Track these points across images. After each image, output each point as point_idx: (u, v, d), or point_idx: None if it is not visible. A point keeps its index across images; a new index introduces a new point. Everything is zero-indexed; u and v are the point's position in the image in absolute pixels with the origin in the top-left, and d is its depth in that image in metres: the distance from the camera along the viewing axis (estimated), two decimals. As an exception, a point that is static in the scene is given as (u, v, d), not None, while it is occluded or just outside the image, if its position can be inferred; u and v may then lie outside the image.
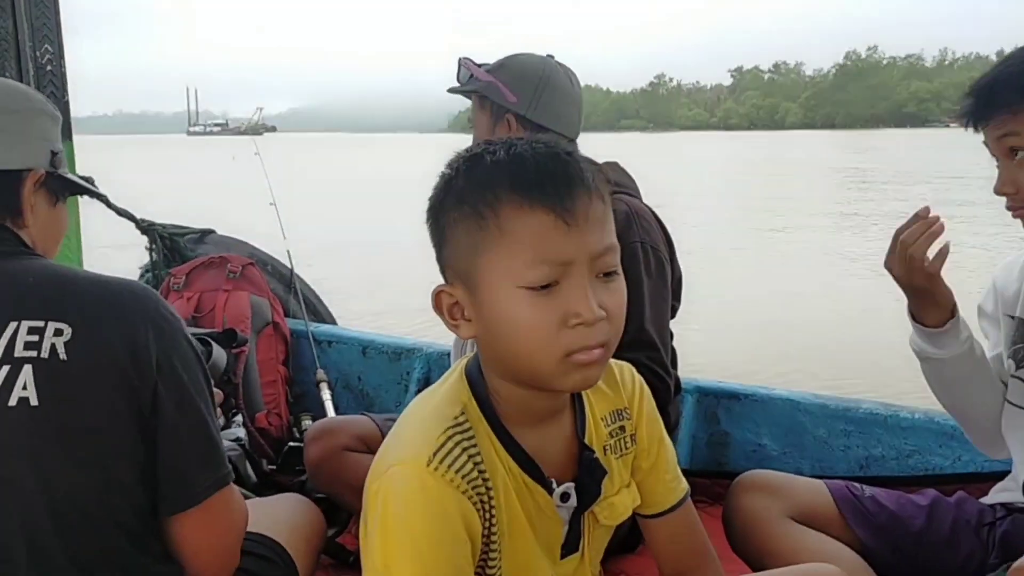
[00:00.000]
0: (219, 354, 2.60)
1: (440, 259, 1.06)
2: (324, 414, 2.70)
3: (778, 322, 7.16)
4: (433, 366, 2.75)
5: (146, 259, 3.33)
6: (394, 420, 1.13)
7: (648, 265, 1.87)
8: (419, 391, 1.14)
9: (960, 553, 1.56)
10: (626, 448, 1.20)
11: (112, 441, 1.18)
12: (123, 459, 1.19)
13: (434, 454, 1.00)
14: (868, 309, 7.32)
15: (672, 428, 2.10)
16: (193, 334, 2.58)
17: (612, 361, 1.19)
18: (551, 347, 0.98)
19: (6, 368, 1.14)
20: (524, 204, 0.96)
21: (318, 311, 3.29)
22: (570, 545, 1.14)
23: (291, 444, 2.58)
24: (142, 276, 3.40)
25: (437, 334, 2.80)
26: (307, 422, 2.69)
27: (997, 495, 1.63)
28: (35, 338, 1.15)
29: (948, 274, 1.49)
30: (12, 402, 1.13)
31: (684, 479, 1.27)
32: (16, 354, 1.14)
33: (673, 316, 2.01)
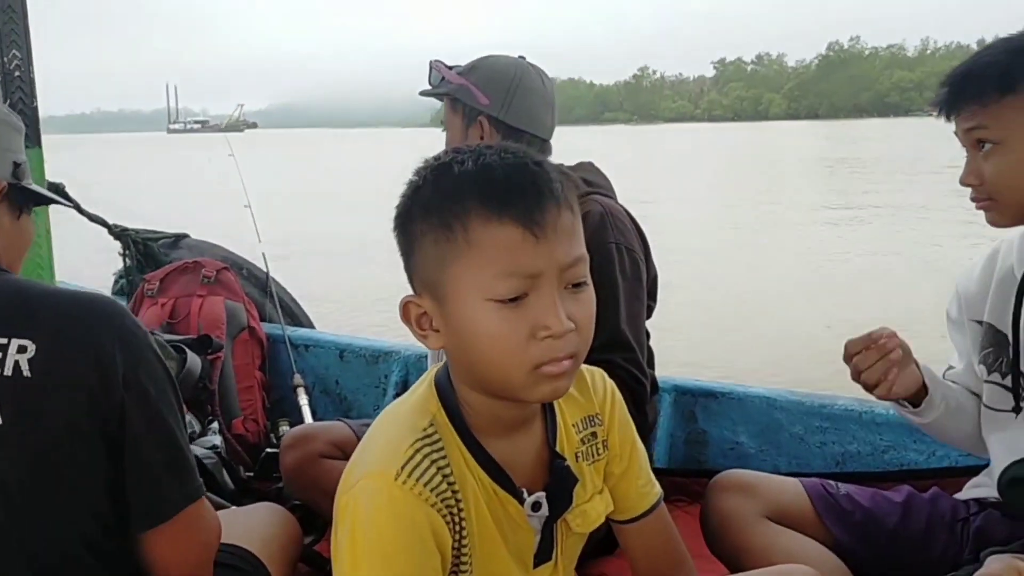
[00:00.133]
0: (194, 361, 2.59)
1: (408, 268, 1.05)
2: (302, 419, 2.68)
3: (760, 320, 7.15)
4: (411, 369, 2.73)
5: (120, 265, 3.31)
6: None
7: (623, 266, 1.87)
8: (397, 394, 1.14)
9: (935, 549, 1.57)
10: (598, 454, 1.20)
11: (79, 459, 1.17)
12: (90, 477, 1.18)
13: (402, 467, 0.99)
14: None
15: (650, 428, 2.11)
16: (167, 341, 2.59)
17: (583, 367, 1.19)
18: (520, 359, 0.97)
19: None
20: (493, 217, 0.96)
21: (295, 314, 3.27)
22: (543, 554, 1.13)
23: (268, 450, 2.56)
24: (116, 282, 3.38)
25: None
26: (284, 427, 2.68)
27: (971, 491, 1.65)
28: None
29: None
30: None
31: (657, 483, 1.27)
32: None
33: (649, 316, 2.01)
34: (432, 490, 1.00)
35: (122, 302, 3.08)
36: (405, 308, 1.04)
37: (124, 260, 3.30)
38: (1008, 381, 1.53)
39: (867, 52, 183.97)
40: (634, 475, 1.24)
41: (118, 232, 3.28)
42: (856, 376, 1.48)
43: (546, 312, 0.96)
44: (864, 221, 13.85)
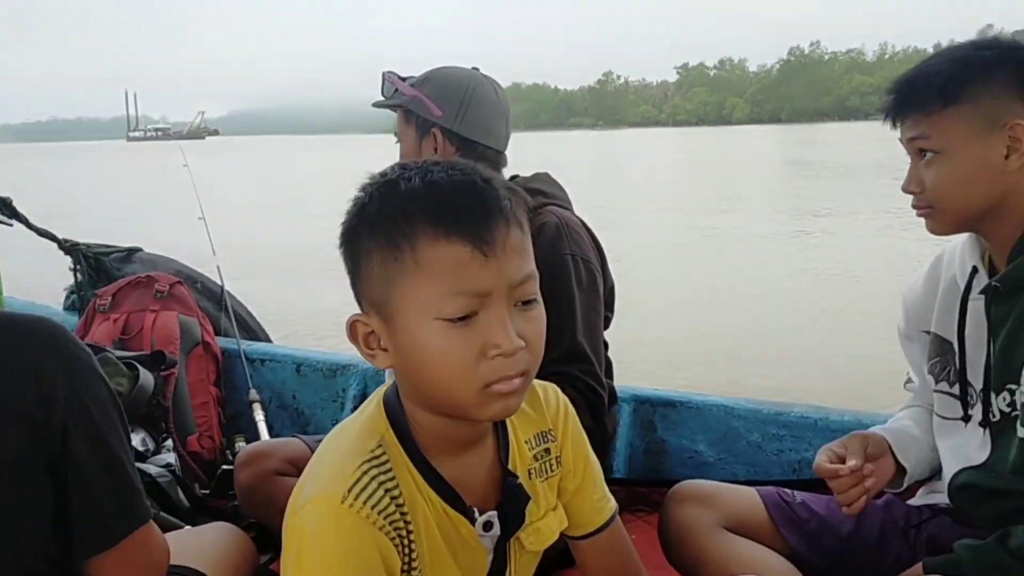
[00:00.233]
0: (146, 378, 2.55)
1: (354, 286, 1.03)
2: (258, 435, 2.65)
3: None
4: (370, 382, 2.71)
5: (71, 280, 3.24)
6: None
7: (579, 277, 1.87)
8: (356, 408, 1.12)
9: (888, 556, 1.59)
10: (551, 471, 1.19)
11: (20, 487, 1.13)
12: (33, 505, 1.14)
13: (349, 490, 0.98)
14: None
15: (609, 438, 2.11)
16: (119, 358, 2.54)
17: (536, 382, 1.18)
18: (470, 378, 0.96)
19: None
20: (440, 235, 0.94)
21: (251, 328, 3.23)
22: (496, 574, 1.12)
23: (224, 467, 2.52)
24: (67, 297, 3.31)
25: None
26: (241, 444, 2.64)
27: (924, 497, 1.66)
28: None
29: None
30: None
31: (612, 498, 1.27)
32: None
33: (606, 327, 2.01)
34: (380, 512, 0.98)
35: (74, 318, 3.05)
36: (352, 327, 1.03)
37: (75, 275, 3.23)
38: (956, 390, 1.54)
39: (827, 57, 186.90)
40: (588, 490, 1.23)
41: (68, 247, 3.22)
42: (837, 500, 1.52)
43: (496, 331, 0.95)
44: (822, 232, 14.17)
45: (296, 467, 1.97)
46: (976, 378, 1.50)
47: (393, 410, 1.06)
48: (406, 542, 1.02)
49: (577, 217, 2.01)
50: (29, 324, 1.20)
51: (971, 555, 1.38)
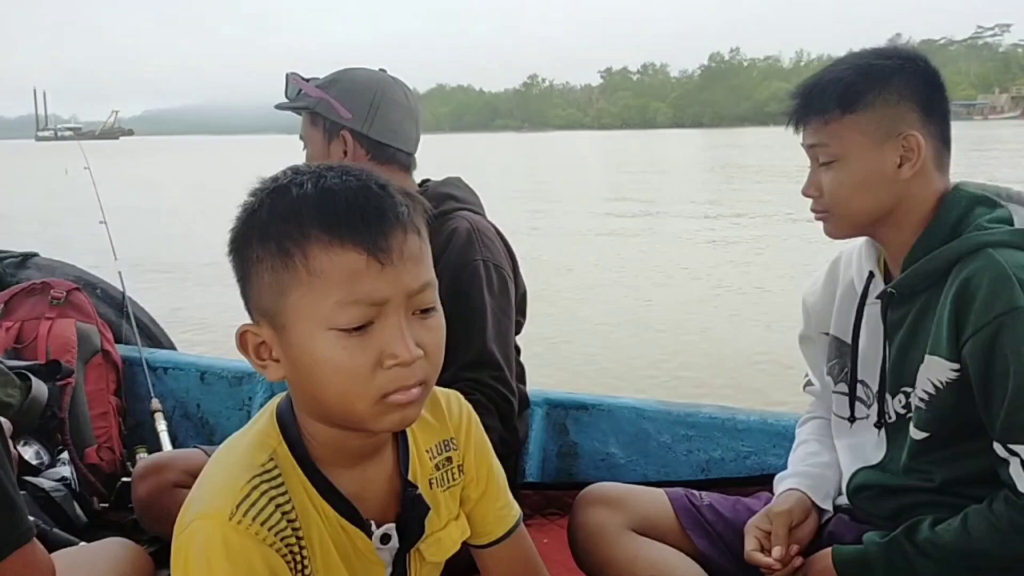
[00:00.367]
0: (40, 388, 2.46)
1: (244, 295, 0.99)
2: (160, 446, 2.57)
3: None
4: (276, 390, 2.64)
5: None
6: None
7: (491, 283, 1.86)
8: None
9: None
10: (453, 480, 1.17)
11: None
12: None
13: (237, 506, 0.94)
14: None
15: (521, 443, 2.10)
16: (11, 368, 2.42)
17: (439, 390, 1.17)
18: (366, 389, 0.93)
19: None
20: (334, 243, 0.91)
21: (154, 335, 3.13)
22: None
23: (124, 480, 2.43)
24: (-44, 306, 3.14)
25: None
26: (142, 455, 2.55)
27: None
28: None
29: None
30: None
31: (516, 505, 1.25)
32: None
33: (518, 332, 2.01)
34: (270, 529, 0.95)
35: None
36: (242, 337, 0.99)
37: (-39, 284, 3.07)
38: (848, 389, 1.58)
39: (746, 63, 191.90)
40: (492, 498, 1.21)
41: (-45, 253, 3.06)
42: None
43: (393, 340, 0.93)
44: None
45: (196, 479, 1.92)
46: (873, 380, 1.53)
47: (286, 422, 1.03)
48: (299, 558, 0.99)
49: (489, 222, 2.00)
50: None
51: (879, 547, 1.42)
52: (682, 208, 16.32)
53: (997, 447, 1.31)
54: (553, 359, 5.81)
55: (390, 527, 1.07)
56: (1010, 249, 1.34)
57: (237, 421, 2.70)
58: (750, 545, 1.53)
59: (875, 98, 1.41)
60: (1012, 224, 1.39)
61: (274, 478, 0.99)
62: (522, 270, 2.04)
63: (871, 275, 1.54)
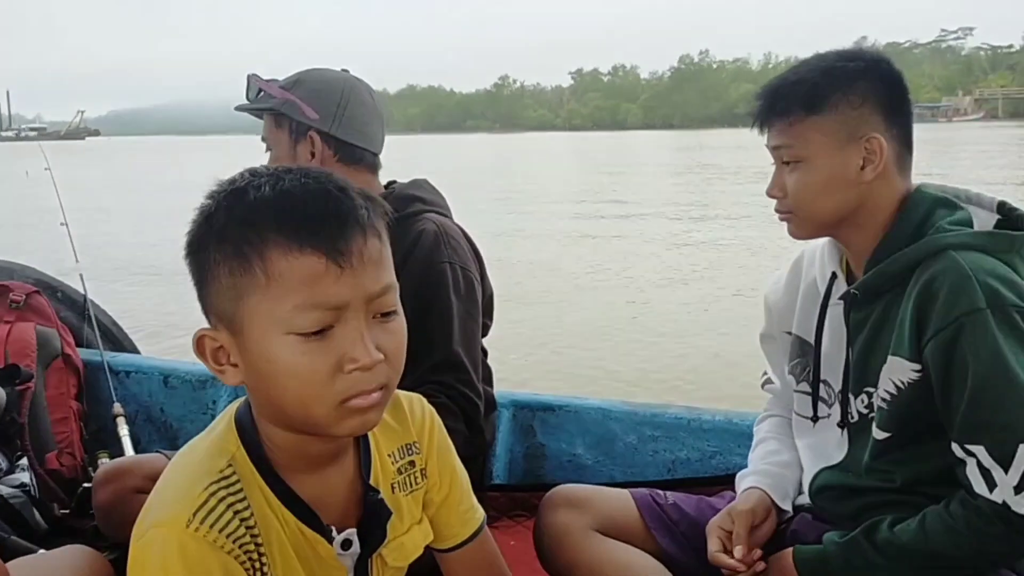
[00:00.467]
0: (-3, 394, 2.40)
1: (201, 299, 0.98)
2: (123, 451, 2.54)
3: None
4: (241, 393, 2.60)
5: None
6: None
7: (457, 285, 1.85)
8: None
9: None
10: (416, 484, 1.16)
11: None
12: None
13: (194, 513, 0.93)
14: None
15: (488, 445, 2.09)
16: (-32, 373, 2.36)
17: (401, 393, 1.16)
18: (325, 394, 0.92)
19: None
20: (293, 247, 0.90)
21: (117, 339, 3.08)
22: None
23: (85, 485, 2.39)
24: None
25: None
26: (104, 460, 2.51)
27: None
28: None
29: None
30: None
31: (480, 508, 1.25)
32: None
33: (485, 334, 2.00)
34: (228, 536, 0.94)
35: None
36: (199, 342, 0.97)
37: (-81, 286, 3.00)
38: (811, 389, 1.59)
39: (715, 65, 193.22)
40: (455, 502, 1.21)
41: (-88, 254, 2.99)
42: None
43: (353, 344, 0.92)
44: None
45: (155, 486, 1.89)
46: (836, 380, 1.54)
47: (245, 427, 1.02)
48: (258, 565, 0.98)
49: (456, 224, 1.99)
50: None
51: (838, 547, 1.44)
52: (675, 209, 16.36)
53: (955, 447, 1.32)
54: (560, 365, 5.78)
55: (351, 532, 1.06)
56: (971, 251, 1.35)
57: (201, 425, 2.63)
58: (713, 546, 1.53)
59: (839, 100, 1.42)
60: (972, 226, 1.41)
61: (232, 484, 0.98)
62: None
63: (834, 276, 1.55)
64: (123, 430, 2.60)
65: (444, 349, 1.79)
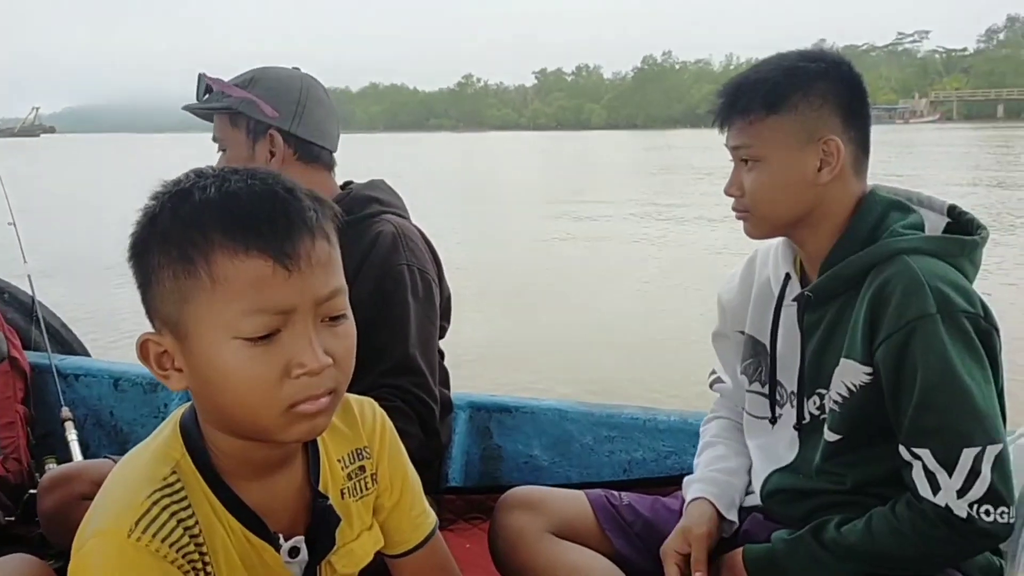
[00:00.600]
0: (-61, 398, 2.33)
1: (145, 303, 0.96)
2: (71, 456, 2.48)
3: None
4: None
5: None
6: None
7: (415, 287, 1.84)
8: None
9: (710, 556, 1.63)
10: (366, 489, 1.15)
11: None
12: None
13: (136, 522, 0.91)
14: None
15: (444, 448, 2.08)
16: (-91, 377, 2.30)
17: (352, 397, 1.15)
18: (272, 400, 0.91)
19: None
20: (238, 250, 0.88)
21: (66, 341, 3.02)
22: None
23: (31, 492, 2.33)
24: None
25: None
26: (51, 465, 2.46)
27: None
28: None
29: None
30: None
31: (432, 513, 1.24)
32: None
33: (442, 336, 2.00)
34: (171, 545, 0.93)
35: None
36: (143, 347, 0.95)
37: None
38: (767, 390, 1.60)
39: (678, 66, 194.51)
40: (407, 507, 1.20)
41: None
42: None
43: (301, 349, 0.90)
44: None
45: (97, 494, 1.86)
46: (790, 381, 1.56)
47: (190, 433, 1.00)
48: (202, 574, 0.96)
49: (414, 226, 1.98)
50: None
51: (786, 545, 1.45)
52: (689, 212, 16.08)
53: (902, 450, 1.34)
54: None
55: (299, 540, 1.05)
56: (923, 256, 1.37)
57: (152, 428, 2.55)
58: (671, 573, 1.54)
59: (799, 100, 1.43)
60: (923, 230, 1.43)
61: (176, 492, 0.96)
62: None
63: (788, 277, 1.56)
64: (71, 435, 2.54)
65: (400, 352, 1.78)
